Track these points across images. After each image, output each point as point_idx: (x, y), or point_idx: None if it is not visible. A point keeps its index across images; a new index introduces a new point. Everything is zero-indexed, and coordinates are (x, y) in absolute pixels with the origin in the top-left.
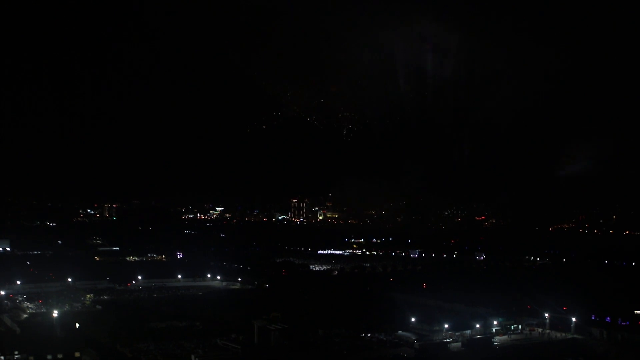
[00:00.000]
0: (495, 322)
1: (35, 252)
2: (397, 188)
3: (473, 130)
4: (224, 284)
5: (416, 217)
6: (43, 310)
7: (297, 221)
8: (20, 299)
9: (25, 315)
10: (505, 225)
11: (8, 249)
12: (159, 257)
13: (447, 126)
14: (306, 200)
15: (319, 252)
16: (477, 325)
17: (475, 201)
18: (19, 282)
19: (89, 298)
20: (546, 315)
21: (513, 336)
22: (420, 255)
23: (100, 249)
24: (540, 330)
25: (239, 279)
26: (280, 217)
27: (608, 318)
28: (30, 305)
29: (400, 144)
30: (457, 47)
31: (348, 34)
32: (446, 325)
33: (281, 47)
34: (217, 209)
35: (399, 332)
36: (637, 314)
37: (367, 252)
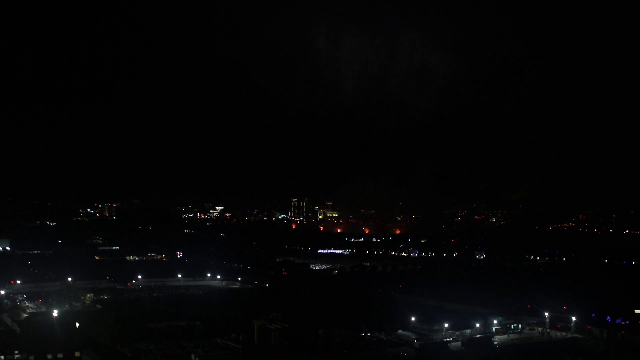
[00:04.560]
0: (495, 322)
1: (35, 252)
2: (399, 187)
3: (477, 129)
4: (224, 283)
5: (417, 216)
6: (43, 309)
7: (297, 220)
8: (20, 298)
9: (25, 315)
10: (505, 225)
11: (8, 248)
12: (159, 256)
13: (453, 123)
14: (306, 199)
15: (319, 251)
16: (477, 325)
17: (475, 201)
18: (19, 282)
19: (89, 298)
20: (546, 314)
21: (513, 335)
22: (420, 254)
23: (100, 248)
24: (540, 329)
25: (239, 279)
26: (280, 217)
27: (608, 317)
28: (30, 305)
29: (405, 143)
30: (463, 44)
31: (350, 30)
32: (446, 325)
33: (282, 45)
34: (217, 208)
35: (399, 331)
36: (637, 313)
37: (367, 252)
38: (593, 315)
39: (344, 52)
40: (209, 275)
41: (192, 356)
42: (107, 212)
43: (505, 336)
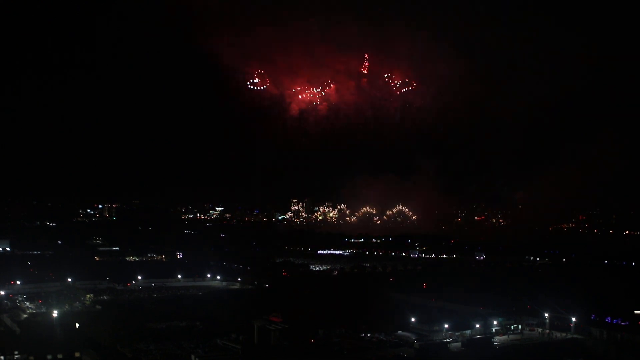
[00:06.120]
0: (495, 322)
1: (35, 252)
2: (400, 187)
3: (480, 128)
4: (224, 284)
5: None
6: (43, 310)
7: (297, 221)
8: (20, 299)
9: (25, 315)
10: (505, 225)
11: (8, 249)
12: (159, 257)
13: (454, 123)
14: (306, 200)
15: (318, 252)
16: (477, 325)
17: (475, 201)
18: (19, 282)
19: (89, 298)
20: (546, 315)
21: (513, 336)
22: (420, 255)
23: (100, 249)
24: (540, 330)
25: (239, 279)
26: (280, 217)
27: (608, 318)
28: (30, 305)
29: (406, 142)
30: (465, 41)
31: (350, 26)
32: (446, 325)
33: (281, 42)
34: (217, 208)
35: (399, 332)
36: (637, 314)
37: (367, 252)
38: (593, 315)
39: (344, 50)
40: (209, 275)
41: (192, 356)
42: (107, 212)
43: (505, 337)
